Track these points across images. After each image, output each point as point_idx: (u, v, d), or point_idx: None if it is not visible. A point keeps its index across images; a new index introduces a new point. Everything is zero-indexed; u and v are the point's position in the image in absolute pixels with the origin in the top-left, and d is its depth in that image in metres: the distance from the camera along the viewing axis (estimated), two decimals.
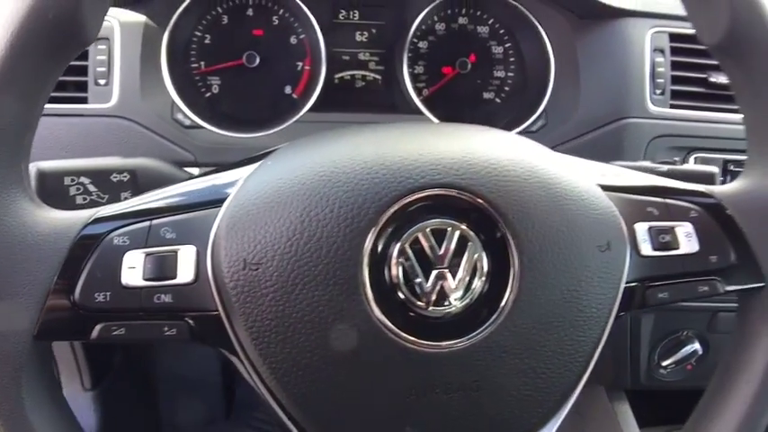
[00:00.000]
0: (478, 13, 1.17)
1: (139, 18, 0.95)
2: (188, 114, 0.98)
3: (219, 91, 1.11)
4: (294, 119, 1.03)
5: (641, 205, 0.60)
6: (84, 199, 0.65)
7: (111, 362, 1.30)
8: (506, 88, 1.19)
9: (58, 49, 0.48)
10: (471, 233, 0.51)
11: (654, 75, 1.03)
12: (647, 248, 0.58)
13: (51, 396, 0.51)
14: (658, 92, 1.03)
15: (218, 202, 0.54)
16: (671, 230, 0.59)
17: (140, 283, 0.50)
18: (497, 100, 1.19)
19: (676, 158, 0.97)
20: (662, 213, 0.59)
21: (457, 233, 0.51)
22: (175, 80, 0.99)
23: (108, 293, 0.50)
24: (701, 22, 0.58)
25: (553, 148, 1.07)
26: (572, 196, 0.55)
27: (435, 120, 1.09)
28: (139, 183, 0.68)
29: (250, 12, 1.11)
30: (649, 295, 0.58)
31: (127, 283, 0.50)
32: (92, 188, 0.65)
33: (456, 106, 1.17)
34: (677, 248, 0.59)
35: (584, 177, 0.59)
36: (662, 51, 1.04)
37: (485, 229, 0.52)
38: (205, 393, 1.51)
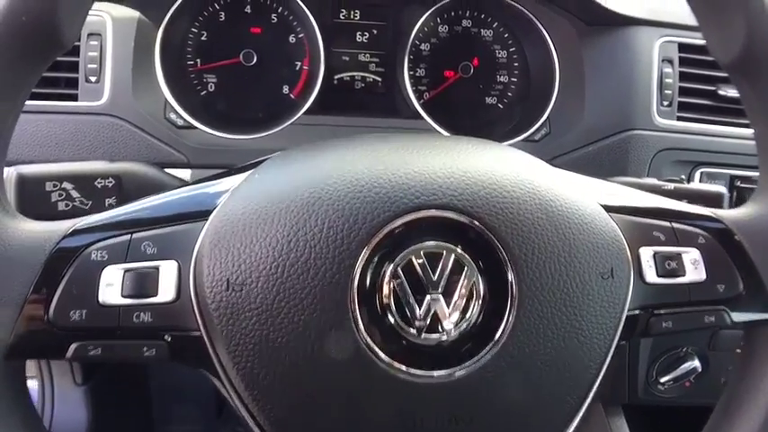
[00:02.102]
0: (482, 16, 1.14)
1: (133, 14, 0.93)
2: (181, 114, 0.95)
3: (215, 89, 1.09)
4: (291, 120, 1.00)
5: (647, 229, 0.57)
6: (67, 205, 0.63)
7: None
8: (509, 94, 1.16)
9: (32, 53, 0.45)
10: (467, 257, 0.49)
11: (661, 86, 1.00)
12: (651, 275, 0.55)
13: (23, 419, 0.49)
14: (665, 103, 1.00)
15: (202, 216, 0.51)
16: (677, 257, 0.56)
17: (118, 300, 0.48)
18: (500, 106, 1.17)
19: (683, 176, 0.94)
20: (668, 238, 0.57)
21: (452, 257, 0.48)
22: (169, 78, 0.96)
23: (84, 311, 0.47)
24: (714, 38, 0.55)
25: (555, 158, 1.06)
26: (574, 219, 0.52)
27: (435, 125, 1.06)
28: (125, 188, 0.66)
29: (248, 9, 1.08)
30: (653, 324, 0.56)
31: (104, 300, 0.48)
32: (75, 194, 0.63)
33: (457, 111, 1.14)
34: (683, 276, 0.56)
35: (587, 197, 0.56)
36: (670, 62, 1.01)
37: (482, 254, 0.49)
38: (196, 391, 1.49)
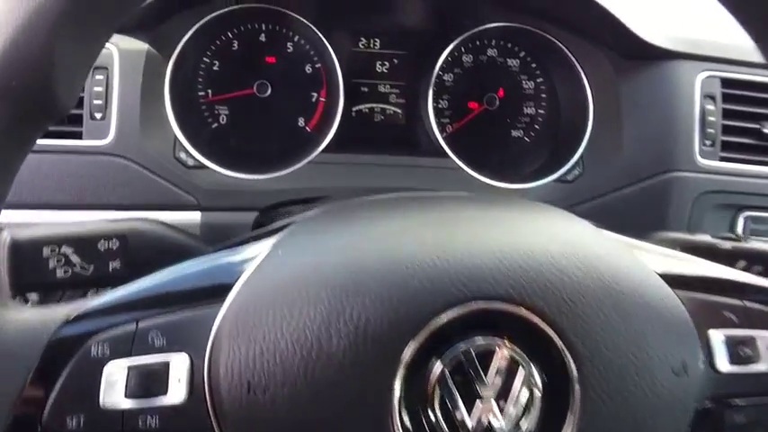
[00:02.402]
0: (509, 45, 1.08)
1: (141, 46, 0.87)
2: (192, 153, 0.89)
3: (227, 121, 1.03)
4: (307, 159, 0.94)
5: (716, 308, 0.51)
6: (66, 271, 0.56)
7: None
8: (537, 127, 1.10)
9: (24, 121, 0.39)
10: (523, 355, 0.42)
11: (703, 123, 0.94)
12: (723, 363, 0.49)
13: None
14: (708, 143, 0.94)
15: (217, 297, 0.45)
16: (751, 341, 0.50)
17: (122, 403, 0.41)
18: (526, 139, 1.10)
19: (738, 233, 0.87)
20: (740, 319, 0.50)
21: (506, 355, 0.42)
22: (179, 114, 0.90)
23: (82, 417, 0.41)
24: None
25: (589, 201, 1.00)
26: (641, 302, 0.46)
27: (459, 161, 0.99)
28: (131, 249, 0.60)
29: (263, 38, 1.03)
30: (726, 417, 0.49)
31: (106, 403, 0.41)
32: (75, 258, 0.57)
33: (482, 145, 1.08)
34: (758, 362, 0.49)
35: (651, 273, 0.49)
36: (713, 98, 0.94)
37: (540, 351, 0.42)
38: None
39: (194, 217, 0.87)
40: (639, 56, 0.94)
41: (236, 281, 0.46)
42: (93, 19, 0.39)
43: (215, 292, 0.45)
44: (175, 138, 0.89)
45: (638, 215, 0.94)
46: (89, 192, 0.84)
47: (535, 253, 0.45)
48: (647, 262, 0.51)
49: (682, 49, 0.93)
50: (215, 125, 1.02)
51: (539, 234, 0.48)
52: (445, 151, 0.98)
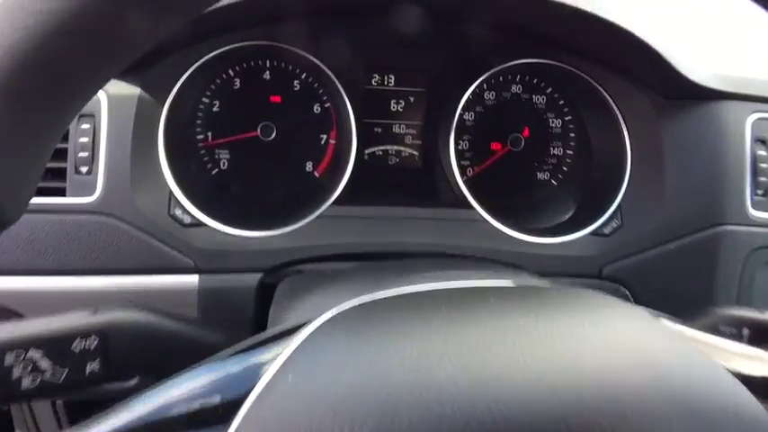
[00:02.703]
0: (535, 80, 0.99)
1: (133, 90, 0.78)
2: (188, 209, 0.80)
3: (229, 167, 0.94)
4: (316, 213, 0.85)
5: None
6: (34, 379, 0.48)
7: None
8: (564, 169, 1.01)
9: None
10: None
11: (755, 171, 0.84)
12: None
13: None
14: (760, 192, 0.84)
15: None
16: None
17: None
18: (553, 182, 1.01)
19: None
20: None
21: None
22: (174, 166, 0.82)
23: None
24: None
25: (629, 257, 0.91)
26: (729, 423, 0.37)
27: (481, 210, 0.89)
28: (112, 348, 0.51)
29: (267, 75, 0.94)
30: None
31: None
32: (44, 364, 0.48)
33: (506, 190, 0.99)
34: None
35: (735, 384, 0.40)
36: (764, 142, 0.85)
37: None
38: None
39: (192, 280, 0.78)
40: (683, 96, 0.85)
41: (236, 411, 0.37)
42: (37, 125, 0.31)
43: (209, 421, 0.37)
44: (170, 192, 0.80)
45: (683, 274, 0.84)
46: (73, 255, 0.75)
47: (611, 383, 0.35)
48: (731, 368, 0.42)
49: (730, 89, 0.84)
50: (215, 171, 0.94)
51: (613, 351, 0.39)
52: (466, 199, 0.89)
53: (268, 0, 0.81)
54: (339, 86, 0.89)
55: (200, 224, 0.80)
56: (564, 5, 0.72)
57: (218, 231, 0.81)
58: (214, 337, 0.59)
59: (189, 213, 0.80)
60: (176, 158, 0.83)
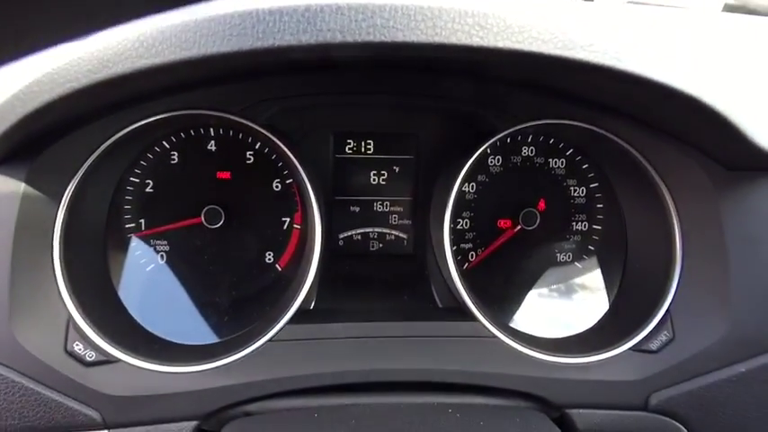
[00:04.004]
0: (551, 141, 0.79)
1: (14, 187, 0.57)
2: (93, 340, 0.59)
3: (168, 260, 0.74)
4: (268, 335, 0.64)
5: None
6: None
7: None
8: (590, 247, 0.80)
9: None
10: None
11: None
12: None
13: None
14: None
15: None
16: None
17: None
18: (578, 264, 0.80)
19: None
20: None
21: None
22: (75, 281, 0.61)
23: None
24: None
25: (683, 382, 0.68)
26: None
27: (485, 321, 0.68)
28: None
29: (212, 146, 0.74)
30: None
31: None
32: None
33: (517, 281, 0.78)
34: None
35: None
36: None
37: None
38: None
39: None
40: (748, 166, 0.64)
41: None
42: None
43: None
44: (69, 319, 0.60)
45: (755, 405, 0.63)
46: None
47: None
48: None
49: None
50: (150, 267, 0.74)
51: None
52: (464, 304, 0.68)
53: (221, 58, 0.58)
54: (305, 155, 0.69)
55: (108, 361, 0.60)
56: (612, 70, 0.51)
57: (136, 369, 0.60)
58: None
59: (94, 346, 0.59)
60: (77, 270, 0.63)
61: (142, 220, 0.74)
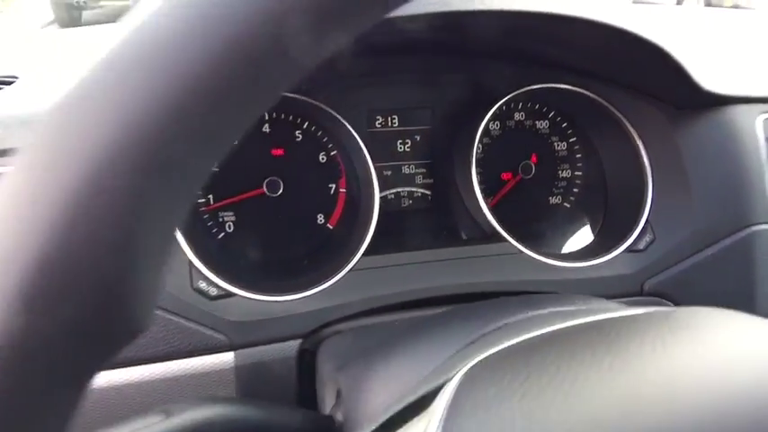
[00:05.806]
0: (536, 106, 0.98)
1: None
2: (213, 280, 0.72)
3: (235, 229, 0.87)
4: (346, 268, 0.79)
5: None
6: None
7: None
8: (575, 190, 1.00)
9: (81, 358, 0.25)
10: None
11: None
12: None
13: None
14: None
15: None
16: None
17: None
18: (566, 205, 1.00)
19: None
20: None
21: None
22: (189, 234, 0.74)
23: None
24: None
25: (668, 268, 0.89)
26: None
27: (512, 239, 0.86)
28: None
29: (266, 128, 0.89)
30: None
31: None
32: None
33: (525, 217, 0.96)
34: None
35: None
36: None
37: None
38: None
39: (226, 359, 0.70)
40: (694, 105, 0.85)
41: None
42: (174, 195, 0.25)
43: None
44: (190, 264, 0.73)
45: (721, 278, 0.84)
46: None
47: None
48: None
49: (738, 94, 0.85)
50: (221, 235, 0.87)
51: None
52: (495, 232, 0.85)
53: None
54: (347, 129, 0.85)
55: (228, 295, 0.73)
56: (584, 20, 0.71)
57: (249, 300, 0.74)
58: (297, 416, 0.53)
59: (215, 285, 0.72)
60: (189, 227, 0.76)
61: (210, 196, 0.87)
